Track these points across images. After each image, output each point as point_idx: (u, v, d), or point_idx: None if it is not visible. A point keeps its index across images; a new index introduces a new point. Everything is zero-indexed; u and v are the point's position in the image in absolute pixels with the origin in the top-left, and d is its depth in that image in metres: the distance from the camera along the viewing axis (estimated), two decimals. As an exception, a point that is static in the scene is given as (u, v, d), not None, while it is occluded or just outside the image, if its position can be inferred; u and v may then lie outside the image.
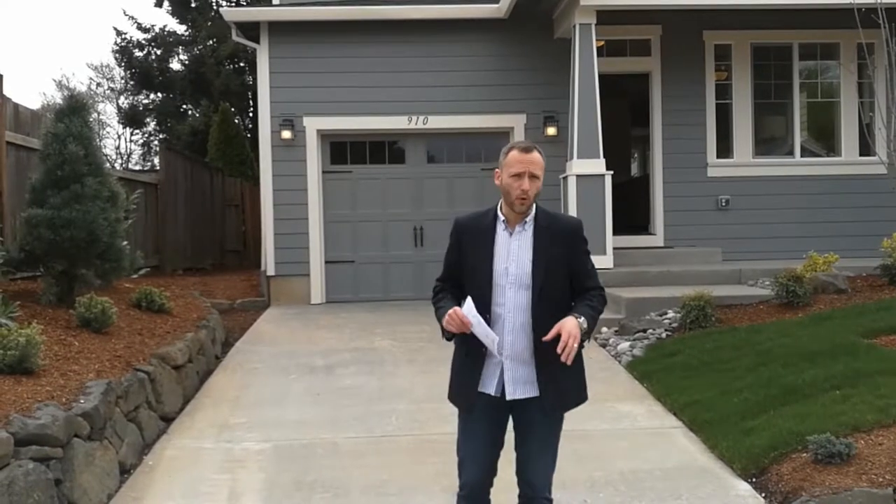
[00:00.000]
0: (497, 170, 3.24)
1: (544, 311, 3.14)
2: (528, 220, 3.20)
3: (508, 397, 3.19)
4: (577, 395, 3.31)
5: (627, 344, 7.78)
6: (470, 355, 3.23)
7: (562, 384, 3.21)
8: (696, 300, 7.80)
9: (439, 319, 3.20)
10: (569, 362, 3.00)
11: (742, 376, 6.14)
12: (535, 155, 3.16)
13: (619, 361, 7.47)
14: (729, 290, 8.80)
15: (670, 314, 8.23)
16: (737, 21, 10.96)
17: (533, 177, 3.13)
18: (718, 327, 7.66)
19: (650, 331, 7.97)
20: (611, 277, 9.47)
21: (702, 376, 6.37)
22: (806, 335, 6.82)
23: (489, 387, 3.21)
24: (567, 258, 3.20)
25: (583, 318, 3.08)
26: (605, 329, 8.41)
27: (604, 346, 8.06)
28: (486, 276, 3.17)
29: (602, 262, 9.59)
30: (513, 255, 3.17)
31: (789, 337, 6.85)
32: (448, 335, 3.20)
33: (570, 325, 3.01)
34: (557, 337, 3.00)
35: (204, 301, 9.62)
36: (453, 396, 3.36)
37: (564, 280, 3.21)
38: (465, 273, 3.25)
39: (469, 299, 3.09)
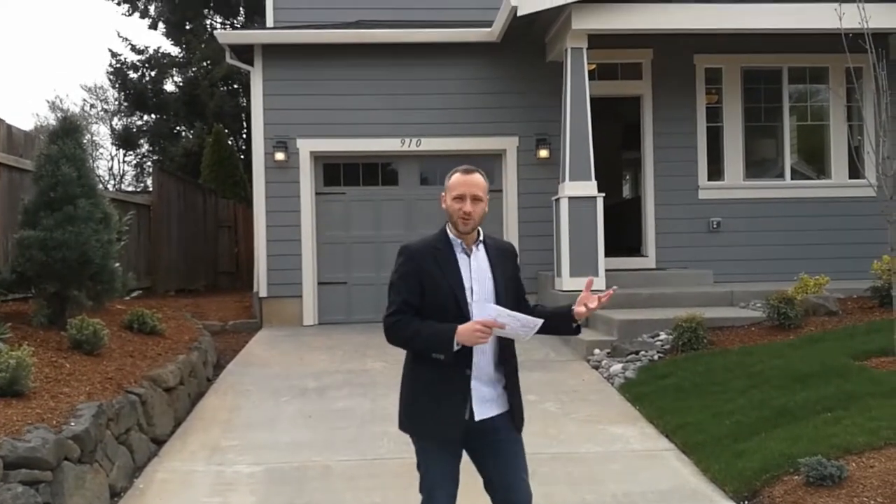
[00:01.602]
0: (442, 193, 3.29)
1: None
2: (480, 240, 3.30)
3: (477, 418, 3.17)
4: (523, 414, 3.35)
5: (620, 366, 7.78)
6: (450, 379, 3.14)
7: (520, 401, 3.31)
8: (688, 322, 7.82)
9: (436, 341, 3.10)
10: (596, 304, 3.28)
11: (734, 398, 6.15)
12: (477, 177, 3.23)
13: (612, 383, 7.47)
14: (721, 312, 8.83)
15: (662, 336, 8.24)
16: (727, 45, 11.07)
17: (475, 199, 3.19)
18: (710, 349, 7.68)
19: (642, 353, 7.98)
20: (603, 299, 9.49)
21: (694, 398, 6.38)
22: (797, 357, 6.84)
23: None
24: (514, 275, 3.36)
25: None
26: (597, 351, 8.42)
27: (596, 367, 8.06)
28: (460, 294, 3.17)
29: (594, 283, 9.57)
30: (475, 273, 3.23)
31: (781, 359, 6.87)
32: (450, 354, 3.09)
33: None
34: (511, 357, 3.26)
35: (196, 323, 9.61)
36: (421, 426, 3.23)
37: (515, 296, 3.32)
38: (430, 299, 3.18)
39: (488, 304, 3.10)
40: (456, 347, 3.07)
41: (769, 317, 8.14)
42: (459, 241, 3.25)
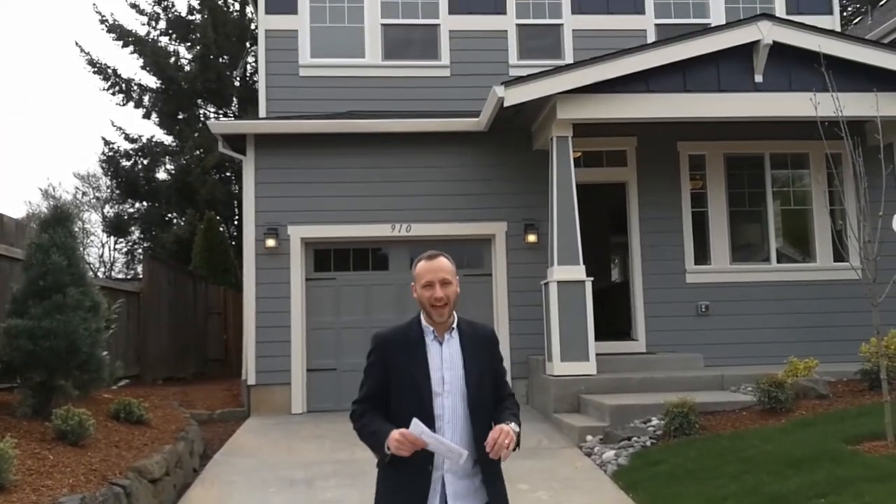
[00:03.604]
0: (412, 283, 3.26)
1: (481, 417, 3.12)
2: (453, 327, 3.23)
3: None
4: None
5: (613, 452, 7.70)
6: (412, 476, 3.08)
7: (502, 491, 3.18)
8: (680, 407, 7.79)
9: (374, 441, 3.07)
10: (497, 456, 2.96)
11: (727, 484, 6.09)
12: (442, 261, 3.20)
13: (605, 471, 7.38)
14: (712, 397, 8.80)
15: (654, 421, 8.19)
16: (709, 132, 11.35)
17: (444, 283, 3.16)
18: (702, 434, 7.63)
19: (635, 438, 7.91)
20: (594, 384, 9.47)
21: (687, 485, 6.31)
22: (789, 442, 6.80)
23: None
24: (490, 363, 3.25)
25: (513, 424, 3.07)
26: (589, 437, 8.34)
27: (589, 454, 7.97)
28: (425, 387, 3.11)
29: (585, 368, 9.60)
30: (446, 363, 3.16)
31: (773, 443, 6.82)
32: (386, 456, 3.05)
33: (505, 427, 3.00)
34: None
35: (183, 412, 9.49)
36: None
37: (492, 385, 3.23)
38: (396, 388, 3.15)
39: (416, 420, 2.96)
40: (388, 451, 3.01)
41: (760, 401, 8.11)
42: (432, 328, 3.20)
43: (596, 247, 14.05)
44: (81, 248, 8.46)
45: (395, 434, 2.96)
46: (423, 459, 3.04)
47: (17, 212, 35.78)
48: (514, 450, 3.05)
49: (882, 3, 22.33)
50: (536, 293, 10.55)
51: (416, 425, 2.95)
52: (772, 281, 11.51)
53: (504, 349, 10.96)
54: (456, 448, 2.98)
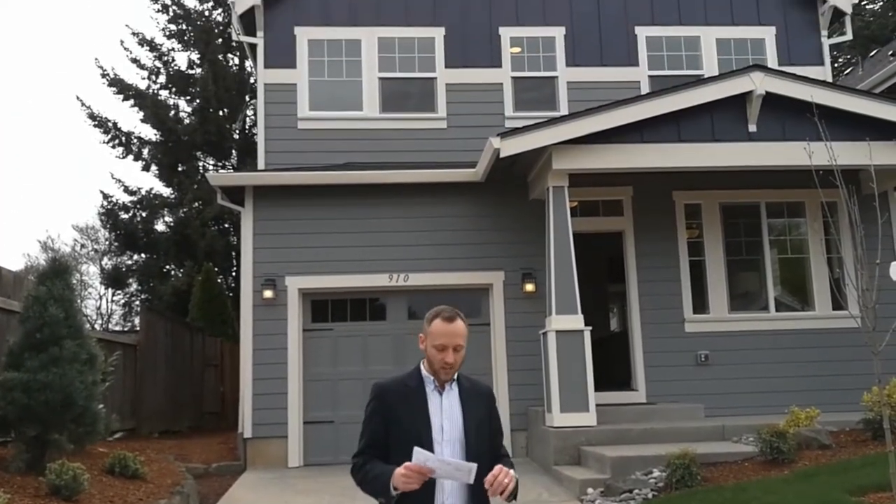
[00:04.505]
0: (421, 334, 3.27)
1: (479, 467, 3.09)
2: (454, 379, 3.26)
3: None
4: None
5: (613, 505, 7.59)
6: None
7: None
8: (681, 459, 7.70)
9: (379, 486, 3.06)
10: (496, 493, 2.97)
11: (731, 538, 5.99)
12: (459, 325, 3.22)
13: (606, 523, 7.27)
14: (713, 447, 8.71)
15: (656, 473, 8.08)
16: (704, 181, 11.42)
17: (458, 348, 3.18)
18: (704, 486, 7.53)
19: (636, 491, 7.80)
20: (594, 435, 9.38)
21: (690, 538, 6.21)
22: (792, 493, 6.71)
23: None
24: (488, 418, 3.28)
25: (513, 471, 3.08)
26: (591, 490, 8.22)
27: (589, 507, 7.86)
28: (425, 434, 3.13)
29: (585, 419, 9.51)
30: (446, 412, 3.19)
31: (775, 495, 6.73)
32: (393, 499, 3.04)
33: (506, 469, 3.03)
34: (486, 502, 3.06)
35: (179, 466, 9.37)
36: None
37: (488, 439, 3.25)
38: (396, 438, 3.16)
39: (417, 449, 2.98)
40: (394, 492, 3.00)
41: (762, 451, 8.03)
42: (432, 378, 3.23)
43: (594, 296, 14.05)
44: (79, 301, 8.45)
45: (401, 470, 2.96)
46: (425, 501, 3.05)
47: (15, 264, 35.81)
48: (513, 498, 3.07)
49: (872, 54, 22.70)
50: (535, 343, 10.51)
51: (419, 453, 2.96)
52: (771, 330, 11.48)
53: (503, 400, 10.90)
54: (464, 464, 2.99)
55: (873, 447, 8.01)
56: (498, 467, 3.04)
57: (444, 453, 3.11)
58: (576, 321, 9.89)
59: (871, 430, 8.38)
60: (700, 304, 11.61)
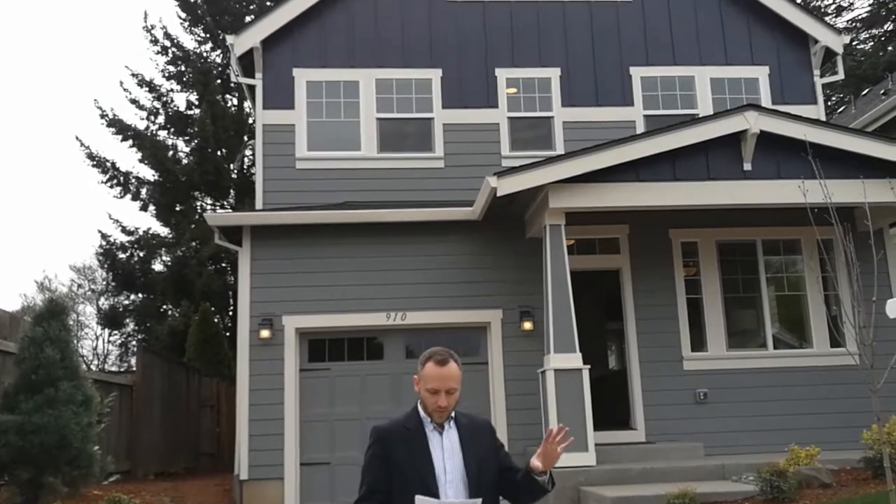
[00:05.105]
0: (416, 376, 3.29)
1: (483, 502, 3.12)
2: (451, 417, 3.28)
3: None
4: None
5: (613, 546, 7.50)
6: None
7: None
8: (681, 499, 7.62)
9: None
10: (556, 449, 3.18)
11: (733, 579, 5.91)
12: (452, 368, 3.24)
13: (606, 565, 7.17)
14: (713, 487, 8.62)
15: (656, 513, 8.00)
16: (701, 219, 11.45)
17: (450, 392, 3.20)
18: (705, 526, 7.44)
19: (636, 531, 7.72)
20: (594, 476, 9.29)
21: (692, 580, 6.12)
22: (795, 533, 6.63)
23: None
24: (492, 451, 3.31)
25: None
26: (589, 530, 8.14)
27: (589, 548, 7.76)
28: (429, 476, 3.12)
29: (584, 459, 9.42)
30: (447, 451, 3.19)
31: (778, 535, 6.66)
32: None
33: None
34: None
35: (174, 508, 9.27)
36: None
37: (494, 473, 3.26)
38: (399, 481, 3.14)
39: (419, 497, 2.99)
40: None
41: (762, 490, 7.95)
42: (430, 418, 3.25)
43: (592, 334, 14.00)
44: (75, 341, 8.43)
45: None
46: None
47: (11, 305, 35.69)
48: (551, 481, 3.27)
49: (864, 93, 22.96)
50: (533, 382, 10.47)
51: (422, 501, 2.98)
52: (769, 367, 11.44)
53: (501, 439, 10.79)
54: (468, 502, 3.02)
55: (874, 486, 7.94)
56: (558, 427, 3.29)
57: (449, 494, 3.11)
58: (574, 360, 9.86)
59: (871, 468, 8.32)
60: (698, 342, 11.57)
